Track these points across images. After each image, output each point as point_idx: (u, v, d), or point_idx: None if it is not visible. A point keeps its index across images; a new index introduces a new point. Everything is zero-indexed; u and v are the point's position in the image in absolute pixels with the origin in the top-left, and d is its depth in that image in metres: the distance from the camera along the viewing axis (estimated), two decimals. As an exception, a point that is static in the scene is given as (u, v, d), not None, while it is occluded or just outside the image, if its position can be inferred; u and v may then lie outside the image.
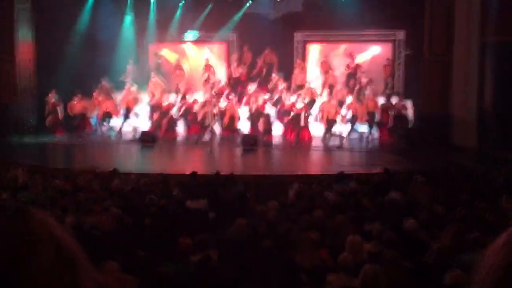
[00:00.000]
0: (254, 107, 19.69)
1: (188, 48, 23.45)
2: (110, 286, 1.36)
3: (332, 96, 19.71)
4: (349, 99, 20.14)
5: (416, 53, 20.17)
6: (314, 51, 23.23)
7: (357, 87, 20.64)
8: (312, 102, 20.27)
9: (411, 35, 21.14)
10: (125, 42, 22.76)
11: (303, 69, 21.73)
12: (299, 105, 19.27)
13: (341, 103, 19.73)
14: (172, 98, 21.28)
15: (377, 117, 19.22)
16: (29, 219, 1.20)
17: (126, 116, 20.70)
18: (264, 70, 21.94)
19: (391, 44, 22.39)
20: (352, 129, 19.24)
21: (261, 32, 22.53)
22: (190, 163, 16.38)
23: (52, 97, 19.98)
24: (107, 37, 21.61)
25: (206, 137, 19.15)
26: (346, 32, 22.10)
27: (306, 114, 19.25)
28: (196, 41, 23.35)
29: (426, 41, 19.06)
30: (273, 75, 21.47)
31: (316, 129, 19.56)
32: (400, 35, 21.95)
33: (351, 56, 21.96)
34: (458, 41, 18.33)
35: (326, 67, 21.73)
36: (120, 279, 5.72)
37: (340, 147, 18.28)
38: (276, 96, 20.52)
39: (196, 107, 19.53)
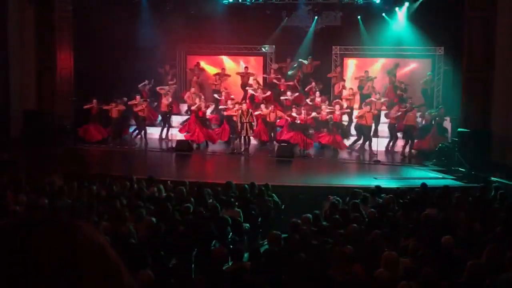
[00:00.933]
0: (295, 118, 19.66)
1: (225, 60, 23.61)
2: None
3: (370, 105, 19.56)
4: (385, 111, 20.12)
5: (456, 68, 19.95)
6: (351, 64, 23.20)
7: (396, 99, 20.58)
8: (350, 110, 20.25)
9: (451, 51, 20.94)
10: (164, 50, 23.01)
11: (342, 78, 21.74)
12: (337, 112, 19.27)
13: (378, 114, 19.69)
14: (210, 106, 21.43)
15: (415, 130, 19.03)
16: (78, 233, 1.20)
17: (164, 124, 20.91)
18: (302, 78, 22.00)
19: (430, 60, 22.22)
20: (391, 141, 19.14)
21: (298, 45, 22.58)
22: (225, 172, 16.41)
23: (94, 104, 20.25)
24: (145, 44, 21.90)
25: (242, 146, 19.18)
26: (384, 47, 22.03)
27: (344, 122, 19.35)
28: (233, 54, 23.52)
29: (465, 56, 18.83)
30: (313, 84, 21.47)
31: (352, 138, 19.53)
32: (440, 50, 21.77)
33: (396, 66, 21.90)
34: (499, 57, 18.05)
35: (365, 82, 21.66)
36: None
37: (377, 159, 18.14)
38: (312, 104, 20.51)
39: (234, 115, 19.57)
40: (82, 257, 1.16)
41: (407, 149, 19.05)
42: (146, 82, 21.87)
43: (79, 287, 1.13)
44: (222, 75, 22.57)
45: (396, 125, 19.30)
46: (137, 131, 20.79)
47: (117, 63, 21.40)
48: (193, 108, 20.34)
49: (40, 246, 1.14)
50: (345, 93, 21.02)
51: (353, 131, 19.90)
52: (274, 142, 19.77)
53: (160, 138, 20.84)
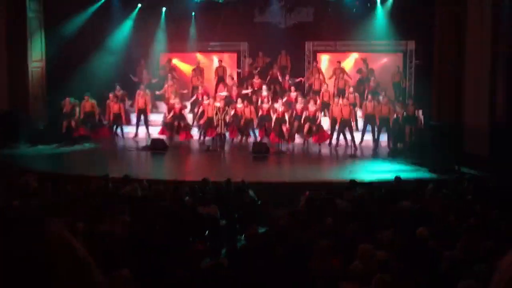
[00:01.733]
0: (268, 112, 19.72)
1: (199, 57, 23.60)
2: None
3: (344, 99, 19.66)
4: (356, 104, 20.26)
5: (427, 63, 20.15)
6: (324, 60, 23.32)
7: (366, 92, 20.70)
8: (325, 105, 20.36)
9: (422, 45, 21.14)
10: (136, 49, 22.89)
11: (320, 74, 21.81)
12: (312, 107, 19.32)
13: (353, 107, 19.83)
14: (186, 102, 21.42)
15: (390, 123, 19.14)
16: (45, 229, 1.21)
17: (138, 122, 20.82)
18: (279, 74, 22.02)
19: (402, 54, 22.41)
20: (363, 135, 19.23)
21: (272, 41, 22.65)
22: (201, 169, 16.41)
23: (68, 102, 20.08)
24: (117, 43, 21.76)
25: (218, 142, 19.18)
26: (356, 43, 22.18)
27: (319, 116, 19.39)
28: (206, 51, 23.52)
29: (436, 51, 19.03)
30: (287, 79, 21.55)
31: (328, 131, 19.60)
32: (411, 45, 21.98)
33: (364, 61, 22.03)
34: (470, 51, 18.27)
35: (339, 72, 21.78)
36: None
37: (352, 154, 18.27)
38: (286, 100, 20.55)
39: (209, 112, 19.53)
40: (51, 254, 1.17)
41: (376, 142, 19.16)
42: (118, 88, 21.55)
43: (49, 283, 1.14)
44: (199, 70, 22.55)
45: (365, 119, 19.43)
46: (116, 129, 20.65)
47: (90, 61, 21.21)
48: (169, 105, 20.39)
49: (9, 244, 1.15)
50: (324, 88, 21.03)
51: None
52: (251, 139, 19.80)
53: (135, 137, 20.71)
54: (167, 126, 20.28)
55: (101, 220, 9.41)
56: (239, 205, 11.56)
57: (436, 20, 18.86)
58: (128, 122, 21.22)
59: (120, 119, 20.51)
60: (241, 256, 7.56)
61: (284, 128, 19.19)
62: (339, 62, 22.04)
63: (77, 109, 20.17)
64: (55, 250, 1.18)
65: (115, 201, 10.64)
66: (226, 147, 19.29)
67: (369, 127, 19.31)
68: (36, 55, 20.57)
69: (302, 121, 19.50)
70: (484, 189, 12.11)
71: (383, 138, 19.33)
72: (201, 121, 19.97)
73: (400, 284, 6.14)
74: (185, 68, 23.90)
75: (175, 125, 20.10)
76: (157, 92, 21.85)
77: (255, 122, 19.97)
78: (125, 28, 22.46)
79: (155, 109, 22.05)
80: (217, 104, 19.62)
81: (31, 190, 11.85)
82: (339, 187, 12.20)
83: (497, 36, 17.16)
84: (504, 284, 1.00)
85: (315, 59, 23.04)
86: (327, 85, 21.23)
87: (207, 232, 10.05)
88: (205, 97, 20.44)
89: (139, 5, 22.16)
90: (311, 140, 19.41)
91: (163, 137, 19.88)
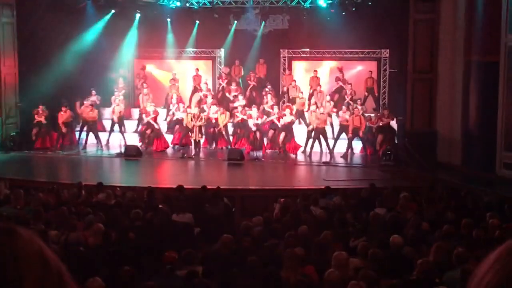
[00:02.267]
0: (240, 120, 19.75)
1: (174, 64, 23.54)
2: None
3: (319, 107, 19.77)
4: (334, 114, 20.36)
5: (401, 71, 20.34)
6: (299, 67, 23.42)
7: (346, 100, 20.86)
8: (300, 113, 20.43)
9: (396, 53, 21.34)
10: (111, 55, 22.75)
11: (294, 82, 21.93)
12: (288, 117, 19.36)
13: (328, 116, 19.92)
14: (161, 110, 21.34)
15: (361, 132, 19.26)
16: (15, 237, 1.19)
17: (112, 129, 20.65)
18: (255, 83, 22.06)
19: (376, 62, 22.60)
20: (336, 142, 19.31)
21: (247, 49, 22.68)
22: (176, 177, 16.33)
23: (41, 110, 19.88)
24: (91, 49, 21.62)
25: (192, 150, 19.12)
26: (331, 50, 22.33)
27: (293, 125, 19.46)
28: (182, 58, 23.48)
29: (410, 59, 19.23)
30: (268, 87, 21.58)
31: (303, 139, 19.62)
32: (385, 53, 22.18)
33: (340, 70, 22.15)
34: (442, 60, 18.49)
35: (315, 82, 21.89)
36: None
37: (326, 161, 18.33)
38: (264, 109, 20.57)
39: (185, 120, 19.47)
40: (21, 263, 1.15)
41: (349, 151, 19.25)
42: (93, 93, 21.37)
43: None
44: (175, 80, 22.51)
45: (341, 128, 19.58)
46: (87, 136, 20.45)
47: (64, 68, 21.01)
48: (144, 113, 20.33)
49: None
50: (299, 96, 21.09)
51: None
52: (228, 146, 19.78)
53: (107, 144, 20.52)
54: (141, 136, 20.15)
55: (74, 228, 9.31)
56: (213, 213, 11.52)
57: (409, 29, 19.06)
58: (103, 129, 21.04)
59: (95, 126, 20.31)
60: (216, 264, 7.52)
61: (257, 136, 19.17)
62: (316, 71, 22.15)
63: (48, 121, 19.95)
64: (25, 258, 1.16)
65: (88, 209, 10.52)
66: (201, 154, 19.23)
67: (343, 136, 19.41)
68: (9, 61, 20.34)
69: (276, 130, 19.54)
70: (457, 197, 12.22)
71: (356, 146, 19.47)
72: (175, 130, 19.91)
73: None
74: (160, 75, 23.83)
75: (147, 133, 19.94)
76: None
77: (228, 129, 20.01)
78: (99, 34, 22.29)
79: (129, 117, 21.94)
80: (192, 111, 19.55)
81: (2, 197, 11.68)
82: (315, 194, 12.20)
83: (470, 45, 17.39)
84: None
85: (290, 66, 23.14)
86: (302, 93, 21.34)
87: (181, 239, 10.00)
88: (180, 105, 20.41)
89: (113, 10, 22.02)
90: (285, 148, 19.39)
91: (139, 144, 19.74)
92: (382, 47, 22.03)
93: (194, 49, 23.28)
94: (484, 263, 1.03)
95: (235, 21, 22.90)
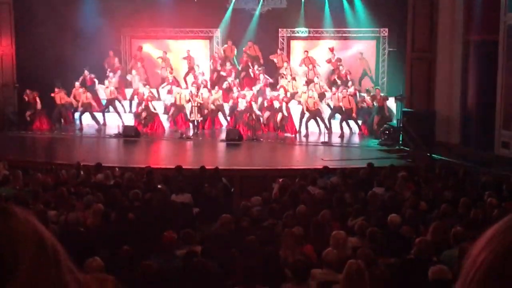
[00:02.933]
0: (239, 102, 19.70)
1: (171, 43, 23.42)
2: (91, 286, 1.35)
3: (313, 89, 19.71)
4: (329, 94, 20.27)
5: (400, 50, 20.28)
6: (298, 47, 23.29)
7: (340, 81, 20.79)
8: (294, 94, 20.38)
9: (395, 33, 21.25)
10: (107, 35, 22.62)
11: (288, 63, 21.83)
12: (281, 97, 19.31)
13: (322, 97, 19.86)
14: (156, 91, 21.29)
15: (354, 113, 19.22)
16: (11, 217, 1.19)
17: (108, 109, 20.61)
18: (250, 64, 21.95)
19: (375, 41, 22.49)
20: (330, 122, 19.28)
21: (245, 28, 22.56)
22: (174, 157, 16.34)
23: (28, 92, 19.82)
24: (87, 29, 21.52)
25: (190, 131, 19.12)
26: (329, 30, 22.19)
27: (288, 106, 19.38)
28: (179, 37, 23.34)
29: (409, 38, 19.17)
30: (257, 68, 21.50)
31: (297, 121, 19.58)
32: (384, 32, 22.07)
33: (332, 51, 22.04)
34: (442, 39, 18.44)
35: (308, 62, 21.79)
36: (100, 278, 5.70)
37: (324, 141, 18.34)
38: (258, 89, 20.50)
39: (182, 101, 19.43)
40: (15, 241, 1.15)
41: (346, 131, 19.18)
42: (86, 73, 21.29)
43: (15, 270, 1.13)
44: (166, 59, 22.42)
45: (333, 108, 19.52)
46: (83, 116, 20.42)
47: (60, 49, 20.92)
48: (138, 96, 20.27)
49: None
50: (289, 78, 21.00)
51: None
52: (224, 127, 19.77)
53: (104, 124, 20.48)
54: (136, 117, 20.06)
55: (73, 208, 9.34)
56: (212, 193, 11.54)
57: (409, 8, 18.97)
58: (100, 109, 21.01)
59: (90, 107, 20.26)
60: (215, 244, 7.56)
61: (252, 118, 19.09)
62: (307, 52, 22.02)
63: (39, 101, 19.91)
64: (20, 237, 1.16)
65: (87, 189, 10.54)
66: (200, 135, 19.22)
67: (337, 117, 19.41)
68: (6, 41, 20.25)
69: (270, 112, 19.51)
70: (455, 176, 12.24)
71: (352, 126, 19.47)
72: (171, 109, 19.88)
73: (372, 270, 6.19)
74: (158, 55, 23.70)
75: (142, 116, 19.87)
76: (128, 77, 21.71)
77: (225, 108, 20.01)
78: (95, 14, 22.17)
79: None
80: (188, 91, 19.49)
81: (0, 178, 11.69)
82: (313, 174, 12.23)
83: (469, 25, 17.32)
84: (475, 269, 1.00)
85: (288, 46, 23.02)
86: (296, 74, 21.24)
87: (180, 220, 10.03)
88: (174, 86, 20.33)
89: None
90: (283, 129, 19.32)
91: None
92: (381, 26, 21.93)
93: (191, 29, 23.13)
94: (480, 241, 1.04)
95: (233, 0, 22.74)
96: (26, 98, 19.81)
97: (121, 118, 20.28)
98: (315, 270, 6.49)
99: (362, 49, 22.19)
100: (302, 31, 22.50)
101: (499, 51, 16.21)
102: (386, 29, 21.91)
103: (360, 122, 19.56)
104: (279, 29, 22.85)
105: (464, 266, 1.04)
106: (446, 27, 18.20)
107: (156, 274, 6.10)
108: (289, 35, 22.96)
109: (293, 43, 23.30)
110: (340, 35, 22.31)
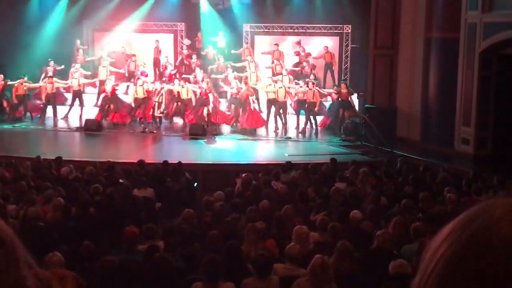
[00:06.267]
0: (200, 94, 19.55)
1: (134, 37, 23.21)
2: (50, 281, 1.32)
3: (278, 82, 19.72)
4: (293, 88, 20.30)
5: (363, 46, 20.46)
6: (261, 42, 23.31)
7: (306, 75, 20.86)
8: (255, 89, 20.36)
9: (358, 29, 21.44)
10: (70, 27, 22.36)
11: (252, 57, 21.82)
12: (244, 91, 19.18)
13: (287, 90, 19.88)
14: (122, 84, 21.07)
15: (316, 108, 19.26)
16: None
17: (73, 103, 20.33)
18: (217, 57, 21.91)
19: (338, 38, 22.64)
20: (298, 117, 19.31)
21: (210, 23, 22.50)
22: (137, 151, 16.21)
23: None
24: (51, 22, 21.22)
25: (154, 124, 18.98)
26: (293, 25, 22.27)
27: (253, 99, 19.32)
28: (143, 30, 23.18)
29: (372, 35, 19.36)
30: (221, 60, 21.46)
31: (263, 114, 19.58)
32: (347, 29, 22.23)
33: (299, 44, 22.11)
34: (404, 36, 18.67)
35: (278, 55, 21.84)
36: (60, 274, 5.62)
37: (288, 136, 18.39)
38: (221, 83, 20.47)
39: (139, 93, 19.18)
40: None
41: (308, 126, 19.18)
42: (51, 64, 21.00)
43: None
44: (128, 55, 22.25)
45: (293, 103, 19.55)
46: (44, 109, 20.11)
47: (23, 40, 20.58)
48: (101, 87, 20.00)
49: None
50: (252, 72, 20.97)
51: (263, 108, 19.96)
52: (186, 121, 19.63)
53: (66, 117, 20.20)
54: (100, 110, 19.80)
55: (33, 203, 9.19)
56: (175, 188, 11.49)
57: (372, 5, 19.15)
58: (63, 102, 20.71)
59: (54, 99, 19.97)
60: (177, 239, 7.53)
61: (206, 111, 18.97)
62: (277, 45, 22.09)
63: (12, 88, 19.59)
64: None
65: (47, 183, 10.38)
66: (162, 129, 19.10)
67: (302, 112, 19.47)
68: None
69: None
70: (415, 172, 12.42)
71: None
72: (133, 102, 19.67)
73: (337, 264, 6.25)
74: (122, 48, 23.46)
75: (105, 107, 19.62)
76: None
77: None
78: (60, 5, 21.89)
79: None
80: (151, 86, 19.31)
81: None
82: (276, 169, 12.26)
83: (431, 22, 17.56)
84: (433, 264, 1.01)
85: (252, 40, 23.03)
86: (257, 68, 21.24)
87: (142, 215, 9.96)
88: (138, 79, 20.09)
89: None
90: (246, 124, 19.22)
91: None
92: (345, 22, 22.08)
93: (155, 22, 22.99)
94: (438, 236, 1.05)
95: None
96: None
97: (81, 111, 19.99)
98: (277, 265, 6.52)
99: (327, 43, 22.31)
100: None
101: (460, 48, 16.48)
102: (349, 26, 22.08)
103: (321, 116, 19.66)
104: (244, 24, 22.84)
105: (423, 260, 1.05)
106: (408, 25, 18.43)
107: (117, 269, 6.04)
108: (253, 30, 22.96)
109: (258, 38, 23.30)
110: (304, 30, 22.40)
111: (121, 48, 22.56)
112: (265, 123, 19.25)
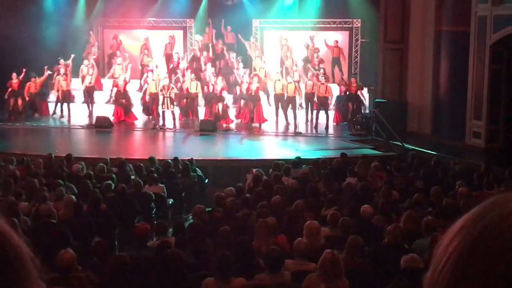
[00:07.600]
0: (211, 91, 19.56)
1: (145, 34, 23.24)
2: None
3: (289, 77, 19.70)
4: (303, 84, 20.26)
5: (373, 41, 20.39)
6: (271, 37, 23.26)
7: (314, 69, 20.81)
8: (264, 84, 20.32)
9: (367, 24, 21.36)
10: (80, 24, 22.43)
11: (261, 52, 21.80)
12: (254, 86, 19.13)
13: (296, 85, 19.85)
14: (134, 81, 21.11)
15: (330, 101, 19.22)
16: None
17: (86, 100, 20.39)
18: (225, 52, 21.90)
19: (348, 32, 22.58)
20: (307, 112, 19.27)
21: (219, 18, 22.49)
22: (148, 148, 16.24)
23: (14, 79, 19.58)
24: (61, 19, 21.28)
25: (164, 121, 18.99)
26: (303, 20, 22.22)
27: (262, 95, 19.31)
28: (152, 27, 23.21)
29: (381, 29, 19.29)
30: (232, 56, 21.46)
31: (272, 110, 19.53)
32: (357, 23, 22.16)
33: (311, 39, 22.07)
34: (414, 30, 18.58)
35: (285, 51, 21.81)
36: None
37: (298, 132, 18.36)
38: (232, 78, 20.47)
39: (152, 88, 19.23)
40: None
41: (320, 121, 19.11)
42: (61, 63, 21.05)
43: None
44: (146, 47, 22.30)
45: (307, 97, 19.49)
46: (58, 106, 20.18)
47: (34, 37, 20.65)
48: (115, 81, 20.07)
49: None
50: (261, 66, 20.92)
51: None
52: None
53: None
54: (116, 104, 19.83)
55: (45, 200, 9.23)
56: (186, 184, 11.51)
57: (381, -1, 19.08)
58: (72, 100, 20.79)
59: (69, 96, 20.07)
60: (188, 235, 7.54)
61: (221, 107, 18.96)
62: (286, 40, 22.07)
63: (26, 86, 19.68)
64: None
65: (58, 180, 10.43)
66: (173, 125, 19.11)
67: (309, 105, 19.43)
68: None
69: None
70: (426, 166, 12.37)
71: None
72: (145, 98, 19.70)
73: (348, 259, 6.24)
74: (131, 44, 23.50)
75: (120, 102, 19.68)
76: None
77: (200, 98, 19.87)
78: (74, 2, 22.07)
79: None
80: (162, 82, 19.32)
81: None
82: (286, 165, 12.25)
83: (441, 16, 17.47)
84: (445, 259, 1.01)
85: (262, 36, 23.00)
86: (264, 62, 21.20)
87: (154, 211, 10.00)
88: (150, 74, 20.10)
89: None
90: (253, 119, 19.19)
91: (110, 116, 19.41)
92: (354, 17, 22.01)
93: (165, 19, 23.01)
94: (450, 230, 1.05)
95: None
96: (10, 87, 19.57)
97: (90, 108, 20.04)
98: (288, 260, 6.51)
99: (337, 38, 22.24)
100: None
101: (471, 41, 16.38)
102: (359, 20, 22.01)
103: (333, 111, 19.61)
104: (253, 20, 22.80)
105: (434, 255, 1.05)
106: (418, 18, 18.34)
107: (129, 265, 6.06)
108: (262, 25, 22.93)
109: (267, 33, 23.27)
110: (314, 25, 22.34)
111: (143, 40, 22.54)
112: (265, 119, 19.18)
